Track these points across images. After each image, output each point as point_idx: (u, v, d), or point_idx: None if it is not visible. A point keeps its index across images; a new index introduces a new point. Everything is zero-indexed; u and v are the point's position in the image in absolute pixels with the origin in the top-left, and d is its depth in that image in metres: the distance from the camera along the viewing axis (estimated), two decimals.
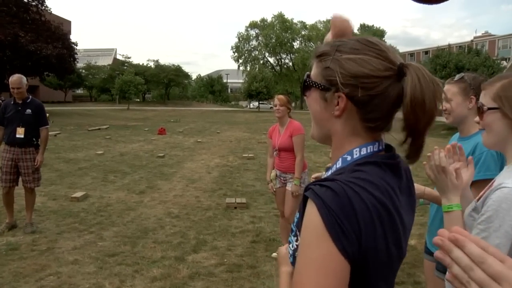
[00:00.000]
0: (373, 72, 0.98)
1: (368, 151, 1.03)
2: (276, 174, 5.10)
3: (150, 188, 8.79)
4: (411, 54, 73.75)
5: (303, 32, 71.00)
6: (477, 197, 1.51)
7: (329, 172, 1.07)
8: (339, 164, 1.05)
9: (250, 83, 57.56)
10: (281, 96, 5.08)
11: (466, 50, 33.72)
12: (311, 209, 0.92)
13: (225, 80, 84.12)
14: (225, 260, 4.92)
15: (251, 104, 72.08)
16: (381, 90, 0.98)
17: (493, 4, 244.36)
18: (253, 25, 70.60)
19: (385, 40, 70.04)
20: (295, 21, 71.41)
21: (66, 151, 13.88)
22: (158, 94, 75.61)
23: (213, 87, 76.66)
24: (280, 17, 69.83)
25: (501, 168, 2.23)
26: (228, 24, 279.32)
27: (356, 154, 1.03)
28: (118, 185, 8.95)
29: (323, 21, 70.69)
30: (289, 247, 1.13)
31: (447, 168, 1.63)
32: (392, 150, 1.09)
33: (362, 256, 0.90)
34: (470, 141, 2.37)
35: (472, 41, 54.36)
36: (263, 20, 70.53)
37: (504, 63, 36.16)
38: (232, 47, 71.15)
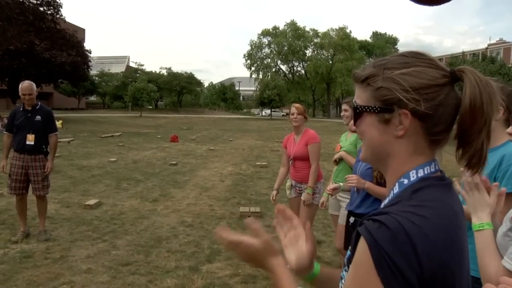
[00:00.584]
0: (432, 81, 0.93)
1: (425, 172, 0.96)
2: (292, 184, 5.03)
3: (163, 196, 8.75)
4: None
5: (315, 40, 71.11)
6: (511, 216, 1.42)
7: (386, 201, 0.99)
8: (396, 189, 0.98)
9: (262, 90, 57.72)
10: (298, 105, 5.01)
11: (480, 58, 33.45)
12: (364, 247, 0.85)
13: (237, 88, 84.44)
14: (240, 271, 4.83)
15: (263, 112, 72.23)
16: (442, 98, 0.93)
17: (508, 11, 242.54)
18: (265, 33, 70.89)
19: (398, 48, 69.96)
20: (307, 29, 71.71)
21: (79, 158, 13.94)
22: (171, 102, 76.01)
23: (225, 95, 76.94)
24: (292, 25, 70.04)
25: None
26: (240, 32, 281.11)
27: (413, 177, 0.96)
28: (131, 193, 8.93)
29: (335, 29, 70.63)
30: (341, 282, 1.04)
31: (480, 185, 1.55)
32: (443, 172, 1.01)
33: None
34: (497, 153, 2.28)
35: (486, 48, 53.94)
36: (275, 28, 70.81)
37: None
38: (244, 54, 71.55)
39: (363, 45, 74.54)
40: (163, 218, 7.02)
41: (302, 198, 4.76)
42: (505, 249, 1.42)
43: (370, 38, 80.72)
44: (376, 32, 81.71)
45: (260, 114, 75.31)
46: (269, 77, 67.62)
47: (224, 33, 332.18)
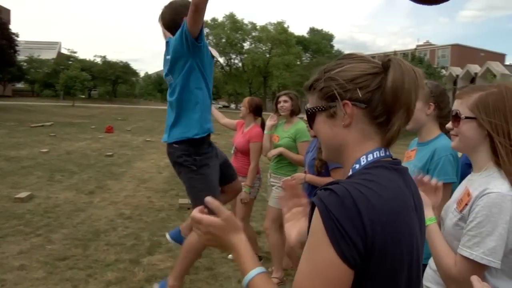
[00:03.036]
0: (363, 72, 1.05)
1: (375, 156, 1.06)
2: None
3: (100, 188, 8.51)
4: None
5: (253, 33, 71.45)
6: (460, 207, 1.56)
7: None
8: (349, 174, 1.07)
9: None
10: (246, 98, 5.11)
11: (410, 58, 35.11)
12: (316, 214, 0.94)
13: None
14: None
15: None
16: (376, 84, 1.04)
17: (433, 16, 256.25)
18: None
19: (333, 45, 71.09)
20: (245, 21, 71.86)
21: (6, 148, 13.18)
22: (105, 91, 73.50)
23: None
24: (231, 17, 69.91)
25: (457, 172, 2.34)
26: None
27: (364, 161, 1.06)
28: (66, 185, 8.59)
29: (274, 23, 71.37)
30: None
31: (418, 183, 1.68)
32: (397, 159, 1.11)
33: (368, 259, 0.90)
34: (429, 146, 2.44)
35: (415, 49, 56.71)
36: (214, 20, 70.29)
37: (444, 71, 37.90)
38: None
39: (300, 40, 75.73)
40: (101, 210, 6.85)
41: (240, 196, 4.76)
42: (456, 239, 1.55)
43: (307, 33, 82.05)
44: (313, 28, 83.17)
45: None
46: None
47: None
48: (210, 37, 70.14)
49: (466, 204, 1.53)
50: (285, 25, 70.61)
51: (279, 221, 4.32)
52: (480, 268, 1.46)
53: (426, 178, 1.80)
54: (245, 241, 1.14)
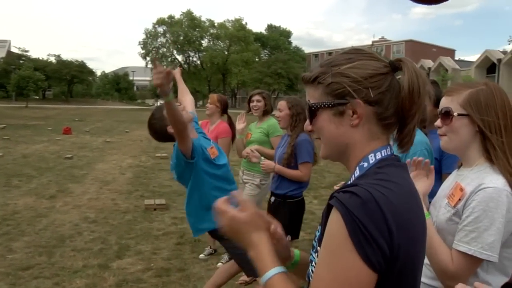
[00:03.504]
0: (376, 71, 1.02)
1: (383, 154, 1.05)
2: None
3: (61, 192, 8.22)
4: (316, 55, 76.85)
5: (211, 31, 70.99)
6: (454, 203, 1.57)
7: (348, 183, 1.05)
8: (356, 173, 1.05)
9: None
10: (212, 95, 5.11)
11: None
12: (336, 218, 0.90)
13: (131, 78, 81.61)
14: (152, 264, 4.74)
15: (158, 103, 70.46)
16: (387, 85, 1.02)
17: (387, 12, 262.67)
18: (160, 21, 69.19)
19: (291, 41, 71.63)
20: (203, 19, 71.34)
21: None
22: (60, 92, 71.00)
23: (119, 85, 74.03)
24: (188, 15, 69.19)
25: None
26: (134, 20, 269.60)
27: (372, 159, 1.04)
28: (24, 190, 8.25)
29: (232, 20, 71.18)
30: (311, 265, 1.07)
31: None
32: (397, 156, 1.11)
33: (392, 262, 0.89)
34: None
35: (372, 45, 57.91)
36: (171, 17, 69.43)
37: None
38: (139, 43, 69.28)
39: (258, 37, 75.82)
40: (64, 215, 6.61)
41: None
42: (450, 234, 1.55)
43: (265, 30, 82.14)
44: (271, 24, 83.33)
45: (155, 104, 73.47)
46: (165, 66, 65.88)
47: (117, 21, 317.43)
48: (168, 35, 69.35)
49: (460, 199, 1.54)
50: (243, 22, 70.53)
51: None
52: (477, 263, 1.47)
53: (419, 159, 1.83)
54: (266, 240, 1.08)
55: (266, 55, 77.70)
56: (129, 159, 12.91)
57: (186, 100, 3.82)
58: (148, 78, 70.46)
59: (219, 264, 4.76)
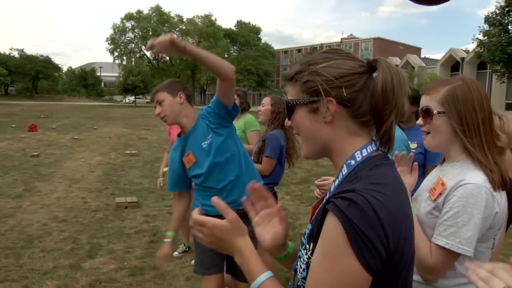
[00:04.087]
0: (350, 70, 1.04)
1: (369, 151, 1.06)
2: None
3: (28, 191, 7.97)
4: (285, 51, 77.14)
5: (180, 26, 70.31)
6: (434, 197, 1.58)
7: (336, 182, 1.07)
8: (344, 170, 1.06)
9: (126, 77, 55.57)
10: None
11: None
12: (335, 224, 0.91)
13: (98, 74, 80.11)
14: (125, 263, 4.65)
15: (126, 99, 69.55)
16: (362, 84, 1.04)
17: (355, 10, 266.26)
18: (129, 16, 68.01)
19: (261, 37, 71.48)
20: (172, 14, 70.52)
21: None
22: (24, 87, 69.05)
23: (86, 81, 72.55)
24: (157, 10, 68.35)
25: None
26: (101, 15, 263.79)
27: (359, 157, 1.05)
28: None
29: (201, 16, 70.66)
30: (300, 261, 1.09)
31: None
32: (384, 151, 1.12)
33: (388, 264, 0.92)
34: None
35: (341, 42, 58.56)
36: (139, 12, 68.40)
37: None
38: (107, 38, 67.85)
39: (227, 33, 75.52)
40: (31, 215, 6.41)
41: None
42: (429, 227, 1.58)
43: (235, 26, 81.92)
44: (241, 21, 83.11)
45: (124, 101, 72.39)
46: (133, 62, 65.29)
47: (84, 15, 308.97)
48: (136, 30, 68.28)
49: (440, 194, 1.56)
50: (213, 18, 70.15)
51: None
52: (455, 257, 1.50)
53: (402, 153, 1.85)
54: (250, 245, 1.11)
55: (236, 52, 77.50)
56: (98, 156, 12.66)
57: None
58: (116, 74, 69.20)
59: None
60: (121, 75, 61.41)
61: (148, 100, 69.05)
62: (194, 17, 70.90)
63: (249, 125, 4.39)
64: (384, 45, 60.27)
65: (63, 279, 4.20)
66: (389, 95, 1.02)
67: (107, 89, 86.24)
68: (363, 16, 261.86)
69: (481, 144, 1.56)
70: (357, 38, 67.03)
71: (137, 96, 59.92)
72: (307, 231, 1.07)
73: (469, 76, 1.68)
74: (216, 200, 1.12)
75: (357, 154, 1.05)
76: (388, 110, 1.03)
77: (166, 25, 68.66)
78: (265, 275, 1.05)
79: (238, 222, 1.11)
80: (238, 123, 4.49)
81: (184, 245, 5.10)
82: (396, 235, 0.92)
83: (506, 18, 19.87)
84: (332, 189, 1.07)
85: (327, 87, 1.03)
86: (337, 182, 1.06)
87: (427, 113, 1.64)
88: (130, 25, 68.59)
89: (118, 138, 18.13)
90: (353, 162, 1.04)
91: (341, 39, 63.80)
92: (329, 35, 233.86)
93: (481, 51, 20.87)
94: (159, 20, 68.01)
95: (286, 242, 1.27)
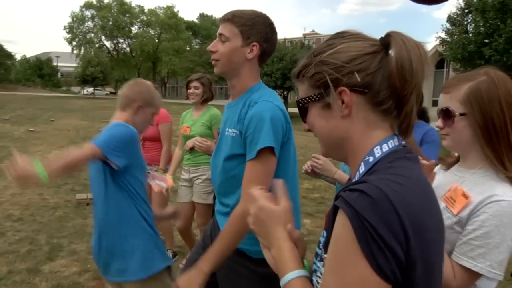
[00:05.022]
0: (360, 51, 0.92)
1: (390, 146, 0.92)
2: None
3: None
4: None
5: (142, 17, 69.12)
6: (456, 210, 1.40)
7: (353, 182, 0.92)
8: (362, 169, 0.92)
9: (84, 67, 53.75)
10: (149, 82, 4.73)
11: (299, 45, 36.38)
12: (343, 221, 0.79)
13: (55, 63, 77.61)
14: (89, 265, 4.32)
15: (85, 90, 67.55)
16: (376, 65, 0.91)
17: (317, 7, 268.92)
18: (88, 5, 66.13)
19: None
20: (133, 4, 69.28)
21: None
22: None
23: (41, 70, 69.99)
24: None
25: None
26: (59, 1, 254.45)
27: (378, 153, 0.91)
28: None
29: (163, 7, 69.61)
30: (316, 275, 0.97)
31: None
32: (407, 146, 0.98)
33: (408, 268, 0.78)
34: None
35: (304, 37, 58.98)
36: (99, 1, 66.61)
37: None
38: (65, 27, 65.67)
39: (190, 25, 74.89)
40: None
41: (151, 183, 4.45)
42: (448, 242, 1.39)
43: (197, 19, 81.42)
44: (203, 13, 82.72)
45: (82, 92, 70.32)
46: (92, 53, 63.41)
47: (39, 1, 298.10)
48: (96, 19, 66.40)
49: (463, 208, 1.38)
50: (175, 10, 69.29)
51: (206, 217, 4.09)
52: (478, 278, 1.35)
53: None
54: (289, 240, 0.98)
55: (198, 44, 76.87)
56: (56, 150, 12.06)
57: None
58: (74, 65, 67.13)
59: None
60: (79, 65, 59.52)
61: (108, 92, 67.64)
62: (156, 8, 69.85)
63: (216, 121, 4.12)
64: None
65: (19, 285, 3.85)
66: (406, 73, 0.88)
67: (64, 80, 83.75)
68: (325, 12, 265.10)
69: (509, 148, 1.38)
70: (319, 34, 67.71)
71: (96, 88, 58.17)
72: (322, 240, 0.96)
73: (494, 69, 1.48)
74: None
75: (376, 149, 0.92)
76: (407, 91, 0.89)
77: (127, 15, 67.28)
78: (296, 272, 0.92)
79: (287, 211, 1.00)
80: (202, 117, 4.22)
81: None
82: (420, 235, 0.78)
83: (465, 19, 20.40)
84: None
85: (337, 75, 0.91)
86: (354, 180, 0.92)
87: (448, 114, 1.45)
88: (89, 14, 66.78)
89: (77, 130, 17.45)
90: (371, 158, 0.91)
91: (304, 34, 64.26)
92: (292, 31, 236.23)
93: (443, 49, 21.39)
94: (120, 10, 66.54)
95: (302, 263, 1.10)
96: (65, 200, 6.81)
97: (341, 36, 0.97)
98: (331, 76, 0.91)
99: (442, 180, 1.59)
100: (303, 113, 1.01)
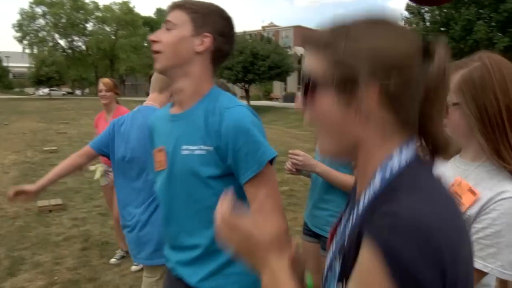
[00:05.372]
0: (404, 53, 0.77)
1: (407, 156, 0.80)
2: (104, 169, 4.54)
3: None
4: None
5: (97, 13, 67.36)
6: (463, 209, 1.32)
7: (366, 197, 0.80)
8: (376, 180, 0.79)
9: (38, 67, 51.92)
10: (106, 80, 4.70)
11: (259, 38, 36.31)
12: (371, 255, 0.67)
13: (5, 64, 74.57)
14: (56, 277, 4.12)
15: (40, 91, 65.38)
16: (415, 74, 0.78)
17: None
18: (38, 1, 63.70)
19: None
20: (87, 0, 67.24)
21: None
22: None
23: None
24: None
25: None
26: None
27: (397, 162, 0.79)
28: None
29: (118, 3, 68.07)
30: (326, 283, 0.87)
31: None
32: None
33: None
34: None
35: (264, 29, 58.97)
36: None
37: (289, 51, 39.94)
38: (13, 25, 63.13)
39: (147, 21, 73.61)
40: None
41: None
42: None
43: (154, 14, 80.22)
44: (160, 8, 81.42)
45: (37, 93, 68.04)
46: (46, 52, 61.33)
47: None
48: (48, 17, 64.19)
49: (472, 204, 1.30)
50: (131, 5, 68.02)
51: None
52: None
53: None
54: (286, 267, 0.85)
55: None
56: (12, 155, 11.56)
57: None
58: (26, 65, 64.70)
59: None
60: (32, 65, 57.49)
61: (65, 92, 65.68)
62: (111, 3, 68.37)
63: None
64: (304, 33, 61.61)
65: None
66: (444, 89, 0.79)
67: (17, 81, 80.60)
68: (282, 5, 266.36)
69: (505, 138, 1.30)
70: (278, 26, 67.86)
71: (51, 88, 56.33)
72: (337, 271, 0.82)
73: (488, 53, 1.39)
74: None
75: (396, 156, 0.79)
76: (439, 107, 0.80)
77: (81, 11, 65.42)
78: None
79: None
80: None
81: (122, 249, 4.63)
82: (458, 264, 0.68)
83: (422, 8, 20.92)
84: (361, 204, 0.81)
85: (372, 73, 0.76)
86: (366, 196, 0.81)
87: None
88: (40, 10, 64.39)
89: (33, 133, 16.80)
90: (389, 168, 0.79)
91: (262, 26, 64.24)
92: (250, 23, 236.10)
93: None
94: (73, 6, 64.54)
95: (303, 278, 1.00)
96: (25, 209, 6.46)
97: (385, 22, 0.81)
98: (367, 73, 0.76)
99: (444, 172, 1.51)
100: (309, 93, 0.83)
